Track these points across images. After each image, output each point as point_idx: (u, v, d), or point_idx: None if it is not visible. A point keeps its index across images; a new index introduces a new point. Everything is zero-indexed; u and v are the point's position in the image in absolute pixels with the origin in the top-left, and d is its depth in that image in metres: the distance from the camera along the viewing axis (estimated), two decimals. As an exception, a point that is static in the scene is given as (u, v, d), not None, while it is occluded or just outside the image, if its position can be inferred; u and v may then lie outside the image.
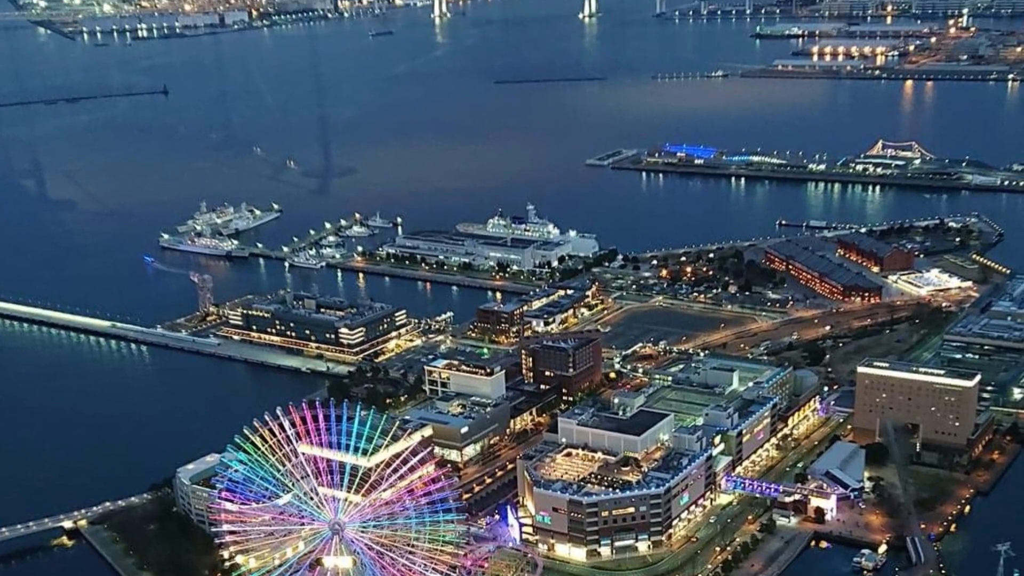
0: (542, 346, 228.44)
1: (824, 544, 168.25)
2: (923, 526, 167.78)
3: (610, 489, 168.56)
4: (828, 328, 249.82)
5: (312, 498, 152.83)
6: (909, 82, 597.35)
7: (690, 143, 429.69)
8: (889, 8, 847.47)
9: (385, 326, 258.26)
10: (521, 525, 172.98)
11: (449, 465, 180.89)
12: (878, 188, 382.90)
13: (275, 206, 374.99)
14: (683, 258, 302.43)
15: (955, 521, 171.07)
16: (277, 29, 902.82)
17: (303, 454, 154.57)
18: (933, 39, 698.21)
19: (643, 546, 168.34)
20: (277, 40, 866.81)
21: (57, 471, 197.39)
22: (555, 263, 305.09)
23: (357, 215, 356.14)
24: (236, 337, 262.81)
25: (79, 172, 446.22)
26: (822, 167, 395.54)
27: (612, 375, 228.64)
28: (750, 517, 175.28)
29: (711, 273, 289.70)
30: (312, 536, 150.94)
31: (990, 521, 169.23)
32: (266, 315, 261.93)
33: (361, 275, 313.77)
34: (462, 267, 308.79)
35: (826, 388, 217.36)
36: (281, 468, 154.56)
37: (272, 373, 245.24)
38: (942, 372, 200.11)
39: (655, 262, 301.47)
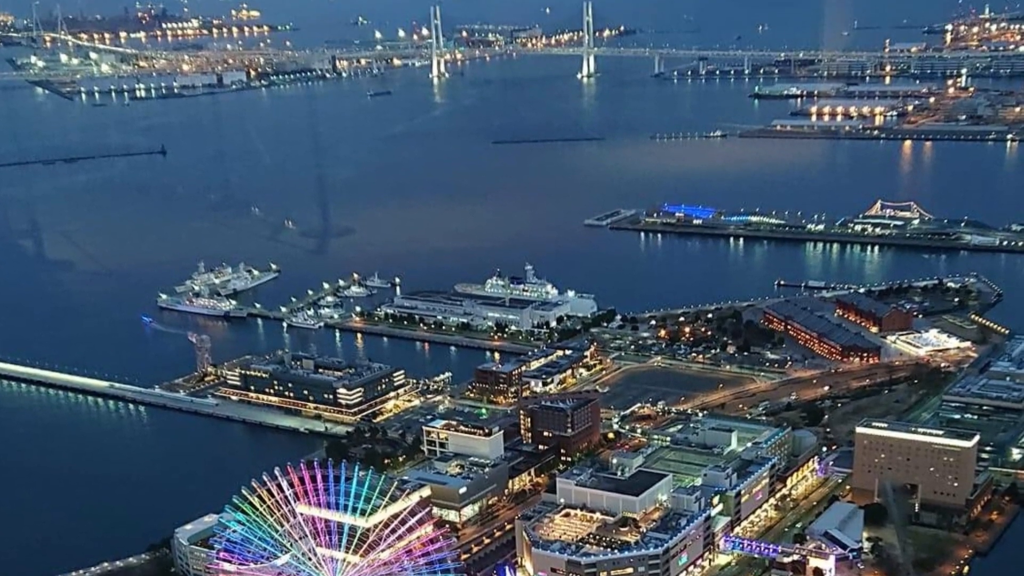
0: (540, 406, 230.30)
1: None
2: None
3: (608, 549, 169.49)
4: (827, 388, 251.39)
5: (310, 559, 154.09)
6: (908, 142, 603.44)
7: (689, 203, 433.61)
8: (888, 68, 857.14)
9: (383, 386, 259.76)
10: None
11: (447, 525, 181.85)
12: (877, 248, 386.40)
13: (273, 266, 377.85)
14: (681, 318, 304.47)
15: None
16: (275, 89, 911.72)
17: (301, 514, 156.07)
18: (932, 99, 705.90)
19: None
20: (275, 100, 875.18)
21: (55, 531, 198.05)
22: (553, 323, 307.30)
23: (355, 275, 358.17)
24: (234, 397, 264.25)
25: (77, 232, 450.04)
26: (821, 227, 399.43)
27: (610, 435, 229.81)
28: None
29: (709, 333, 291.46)
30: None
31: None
32: (264, 375, 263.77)
33: (359, 335, 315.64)
34: (460, 327, 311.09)
35: (825, 448, 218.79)
36: (279, 528, 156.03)
37: (270, 433, 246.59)
38: (941, 432, 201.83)
39: (653, 322, 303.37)
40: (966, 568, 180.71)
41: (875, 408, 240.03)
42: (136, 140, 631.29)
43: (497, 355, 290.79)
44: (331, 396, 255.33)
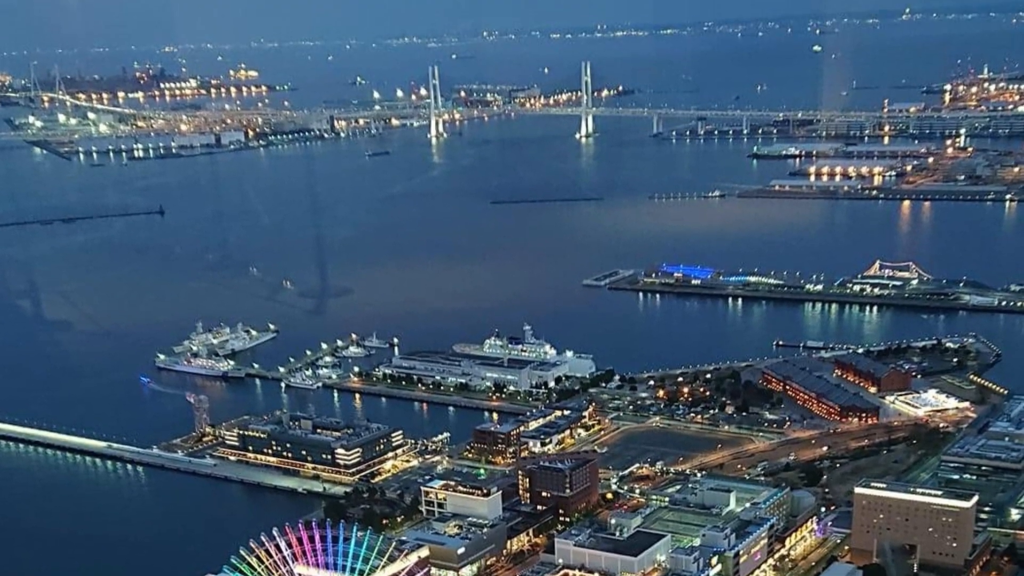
0: (539, 467, 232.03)
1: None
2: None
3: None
4: (825, 449, 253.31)
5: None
6: (906, 202, 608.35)
7: (687, 263, 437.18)
8: (886, 128, 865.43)
9: (381, 447, 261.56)
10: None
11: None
12: (875, 308, 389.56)
13: (271, 327, 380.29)
14: (680, 378, 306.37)
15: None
16: (273, 149, 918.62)
17: (299, 575, 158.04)
18: (931, 159, 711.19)
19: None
20: (273, 160, 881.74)
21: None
22: (552, 384, 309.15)
23: (353, 335, 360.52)
24: (232, 458, 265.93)
25: (75, 292, 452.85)
26: (819, 287, 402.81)
27: (609, 496, 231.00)
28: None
29: (708, 393, 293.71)
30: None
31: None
32: (262, 436, 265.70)
33: (357, 396, 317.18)
34: (459, 388, 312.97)
35: (823, 509, 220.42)
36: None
37: (268, 494, 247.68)
38: (939, 493, 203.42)
39: (652, 383, 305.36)
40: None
41: (874, 468, 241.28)
42: (134, 200, 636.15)
43: (495, 415, 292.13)
44: (329, 456, 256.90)
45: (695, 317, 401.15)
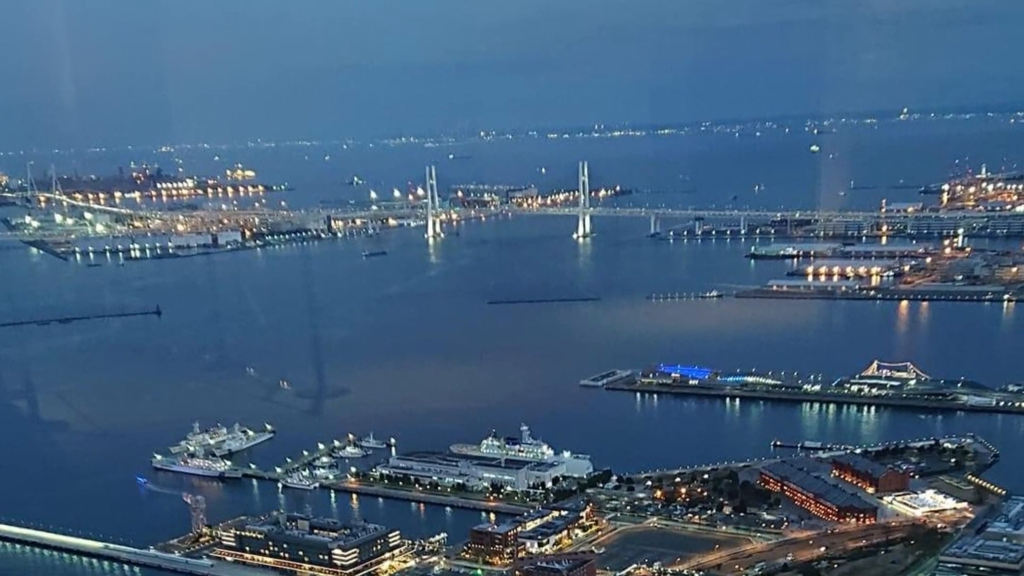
0: (536, 567, 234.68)
1: None
2: None
3: None
4: (823, 549, 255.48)
5: None
6: (904, 302, 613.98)
7: (685, 364, 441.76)
8: (884, 228, 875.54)
9: (379, 547, 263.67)
10: None
11: None
12: (873, 409, 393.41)
13: (268, 427, 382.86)
14: (677, 479, 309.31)
15: None
16: (270, 249, 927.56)
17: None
18: (928, 259, 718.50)
19: None
20: (270, 260, 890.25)
21: None
22: (549, 484, 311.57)
23: (350, 436, 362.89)
24: (229, 559, 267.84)
25: (72, 393, 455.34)
26: (817, 388, 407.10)
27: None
28: None
29: (705, 494, 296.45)
30: None
31: None
32: (259, 536, 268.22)
33: (354, 496, 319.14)
34: (456, 488, 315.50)
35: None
36: None
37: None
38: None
39: (649, 483, 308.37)
40: None
41: (872, 569, 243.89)
42: (131, 300, 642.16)
43: (493, 516, 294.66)
44: (326, 557, 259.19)
45: (693, 417, 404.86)
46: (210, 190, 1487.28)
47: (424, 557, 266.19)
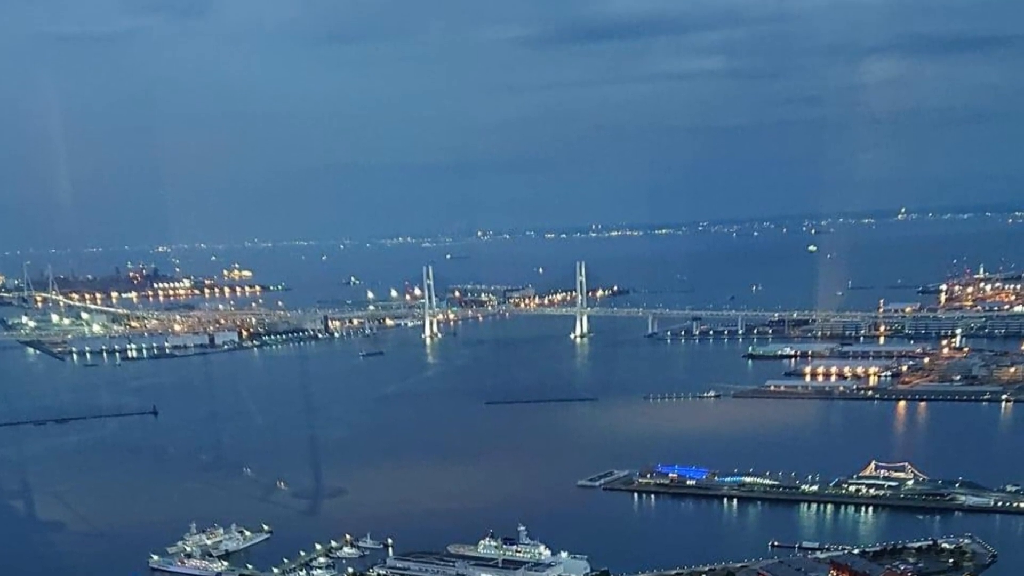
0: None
1: None
2: None
3: None
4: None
5: None
6: (902, 402, 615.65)
7: (682, 464, 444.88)
8: (882, 328, 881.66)
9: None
10: None
11: None
12: (871, 509, 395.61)
13: (265, 527, 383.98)
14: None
15: None
16: (267, 349, 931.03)
17: None
18: (926, 359, 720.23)
19: None
20: (267, 360, 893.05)
21: None
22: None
23: (348, 536, 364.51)
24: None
25: (68, 493, 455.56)
26: (815, 488, 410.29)
27: None
28: None
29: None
30: None
31: None
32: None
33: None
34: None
35: None
36: None
37: None
38: None
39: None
40: None
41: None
42: (127, 401, 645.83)
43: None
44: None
45: (690, 517, 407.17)
46: (207, 290, 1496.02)
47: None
